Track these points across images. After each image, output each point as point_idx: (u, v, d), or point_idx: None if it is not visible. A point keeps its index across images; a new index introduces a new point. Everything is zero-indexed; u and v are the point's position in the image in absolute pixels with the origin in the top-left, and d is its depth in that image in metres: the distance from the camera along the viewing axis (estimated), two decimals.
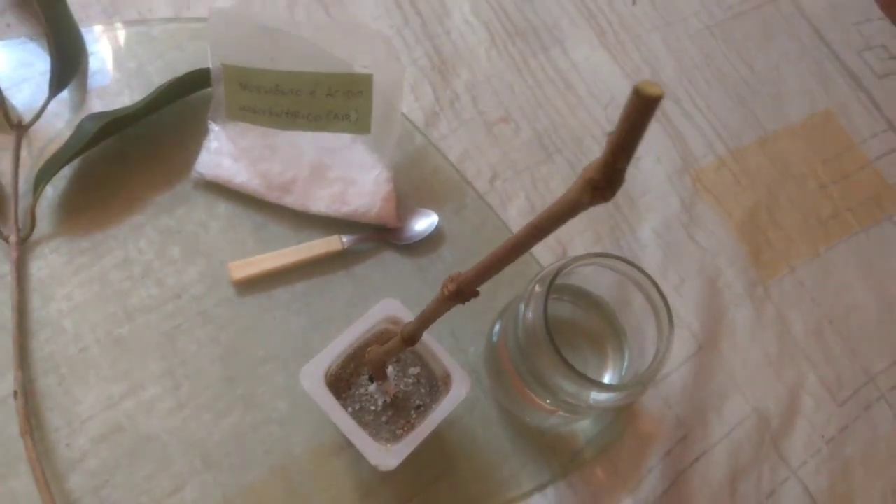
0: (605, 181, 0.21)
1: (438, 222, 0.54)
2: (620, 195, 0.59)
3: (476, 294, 0.27)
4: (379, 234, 0.53)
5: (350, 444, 0.48)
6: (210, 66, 0.50)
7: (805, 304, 0.59)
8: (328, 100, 0.49)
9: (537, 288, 0.44)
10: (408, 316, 0.44)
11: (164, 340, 0.48)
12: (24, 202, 0.49)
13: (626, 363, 0.49)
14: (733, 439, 0.54)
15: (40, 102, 0.51)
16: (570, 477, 0.50)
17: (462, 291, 0.27)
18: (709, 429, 0.54)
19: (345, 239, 0.52)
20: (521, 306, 0.44)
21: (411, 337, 0.34)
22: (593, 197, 0.21)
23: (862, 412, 0.57)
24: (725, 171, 0.63)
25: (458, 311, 0.51)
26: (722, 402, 0.55)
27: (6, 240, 0.48)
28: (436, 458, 0.49)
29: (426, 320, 0.31)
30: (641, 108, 0.19)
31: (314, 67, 0.48)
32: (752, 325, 0.58)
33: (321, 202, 0.52)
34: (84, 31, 0.55)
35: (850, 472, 0.55)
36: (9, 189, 0.48)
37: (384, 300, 0.44)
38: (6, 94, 0.51)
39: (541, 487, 0.50)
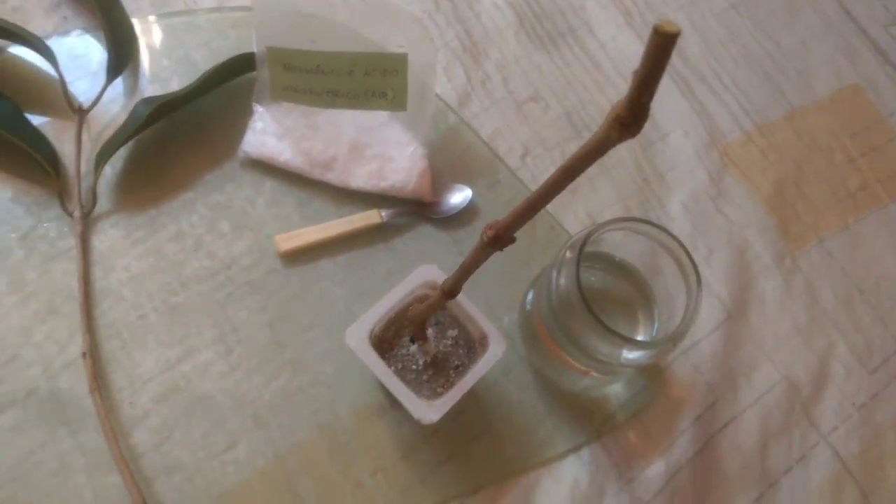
0: (631, 117, 0.23)
1: (472, 197, 0.56)
2: (649, 169, 0.61)
3: (513, 240, 0.29)
4: (415, 209, 0.56)
5: (392, 406, 0.50)
6: (255, 50, 0.53)
7: (834, 274, 0.60)
8: (366, 79, 0.51)
9: (568, 254, 0.46)
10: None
11: (216, 308, 0.51)
12: (86, 181, 0.52)
13: (656, 328, 0.51)
14: (763, 405, 0.55)
15: (97, 89, 0.55)
16: (604, 439, 0.52)
17: (500, 237, 0.29)
18: (739, 395, 0.55)
19: (383, 213, 0.55)
20: (554, 273, 0.46)
21: (452, 289, 0.36)
22: (621, 133, 0.23)
23: (892, 380, 0.58)
24: (752, 146, 0.64)
25: (492, 281, 0.53)
26: (751, 370, 0.56)
27: (71, 215, 0.51)
28: (474, 420, 0.51)
29: (466, 271, 0.34)
30: (661, 45, 0.21)
31: (352, 48, 0.50)
32: (780, 295, 0.59)
33: (360, 178, 0.55)
34: (135, 21, 0.58)
35: (881, 437, 0.56)
36: (72, 169, 0.52)
37: (423, 266, 0.47)
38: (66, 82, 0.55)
39: (575, 449, 0.52)
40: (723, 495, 0.52)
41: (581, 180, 0.50)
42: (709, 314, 0.57)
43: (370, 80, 0.51)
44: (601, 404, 0.53)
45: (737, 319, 0.57)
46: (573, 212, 0.58)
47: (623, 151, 0.61)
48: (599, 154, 0.24)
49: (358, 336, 0.44)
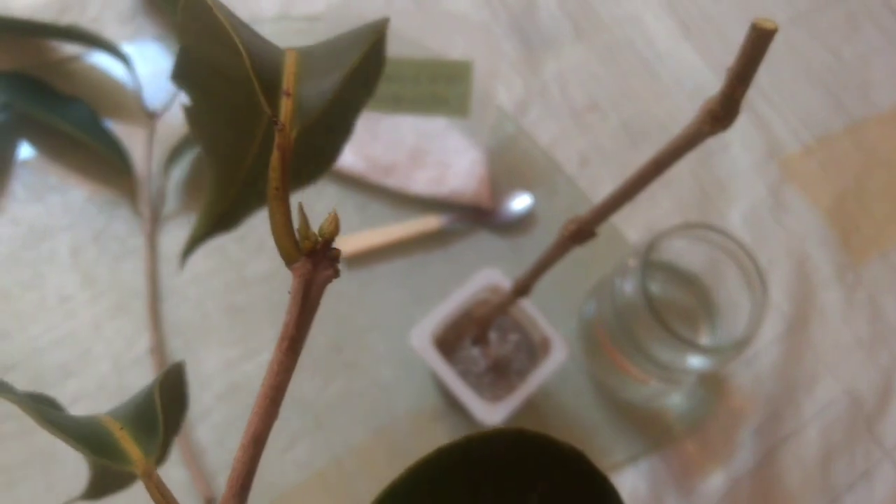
0: (723, 111, 0.23)
1: (531, 205, 0.57)
2: (708, 181, 0.61)
3: (594, 235, 0.30)
4: (474, 216, 0.56)
5: (450, 411, 0.51)
6: None
7: None
8: (430, 85, 0.52)
9: (632, 262, 0.46)
10: (507, 285, 0.46)
11: (276, 309, 0.52)
12: (155, 183, 0.54)
13: (717, 339, 0.50)
14: (825, 419, 0.54)
15: (168, 95, 0.56)
16: (662, 450, 0.52)
17: (582, 231, 0.29)
18: (800, 408, 0.54)
19: (442, 219, 0.55)
20: (617, 280, 0.46)
21: (525, 286, 0.36)
22: (713, 126, 0.23)
23: None
24: (812, 158, 0.64)
25: (548, 292, 0.53)
26: (812, 383, 0.55)
27: (141, 216, 0.53)
28: (532, 427, 0.51)
29: (542, 267, 0.34)
30: (758, 42, 0.21)
31: (417, 56, 0.51)
32: (842, 308, 0.58)
33: (420, 184, 0.56)
34: None
35: None
36: (143, 172, 0.53)
37: (485, 269, 0.47)
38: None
39: (633, 459, 0.51)
40: None
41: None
42: (769, 326, 0.56)
43: (434, 86, 0.52)
44: (660, 415, 0.53)
45: (797, 332, 0.57)
46: (633, 223, 0.58)
47: (682, 163, 0.60)
48: (690, 147, 0.24)
49: (422, 337, 0.45)
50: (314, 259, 0.17)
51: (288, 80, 0.18)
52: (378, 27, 0.21)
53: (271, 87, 0.18)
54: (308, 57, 0.19)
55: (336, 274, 0.17)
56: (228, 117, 0.24)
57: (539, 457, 0.13)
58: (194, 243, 0.29)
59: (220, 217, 0.28)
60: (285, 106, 0.17)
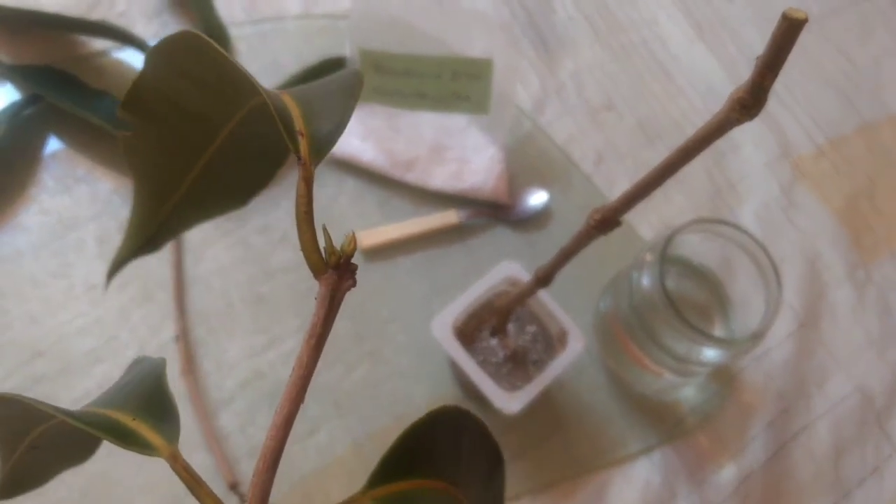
0: (752, 99, 0.24)
1: (547, 201, 0.58)
2: (721, 180, 0.62)
3: (619, 224, 0.31)
4: (492, 211, 0.57)
5: (467, 400, 0.52)
6: (346, 52, 0.55)
7: None
8: (452, 82, 0.53)
9: (649, 256, 0.47)
10: (526, 278, 0.47)
11: (299, 299, 0.53)
12: None
13: (731, 331, 0.51)
14: (836, 415, 0.55)
15: None
16: (675, 442, 0.53)
17: (607, 220, 0.30)
18: (811, 403, 0.55)
19: (460, 214, 0.56)
20: (634, 274, 0.47)
21: (547, 276, 0.37)
22: (741, 114, 0.24)
23: None
24: (824, 159, 0.64)
25: (563, 287, 0.54)
26: (823, 379, 0.56)
27: None
28: (547, 418, 0.52)
29: (565, 256, 0.35)
30: (788, 31, 0.22)
31: (439, 53, 0.53)
32: (853, 306, 0.59)
33: (439, 179, 0.57)
34: (228, 27, 0.62)
35: None
36: None
37: (504, 262, 0.48)
38: None
39: (647, 450, 0.52)
40: (795, 503, 0.52)
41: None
42: (781, 322, 0.57)
43: (456, 83, 0.53)
44: (673, 408, 0.54)
45: (809, 329, 0.57)
46: (646, 219, 0.59)
47: (696, 162, 0.61)
48: (719, 135, 0.25)
49: (443, 327, 0.46)
50: (339, 272, 0.20)
51: (298, 122, 0.21)
52: (357, 77, 0.23)
53: (287, 128, 0.20)
54: (305, 102, 0.22)
55: (354, 283, 0.21)
56: (171, 146, 0.27)
57: (461, 419, 0.22)
58: (119, 265, 0.31)
59: (147, 239, 0.30)
60: (303, 144, 0.20)
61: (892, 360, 0.57)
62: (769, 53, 0.23)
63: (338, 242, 0.57)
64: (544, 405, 0.52)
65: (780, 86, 0.67)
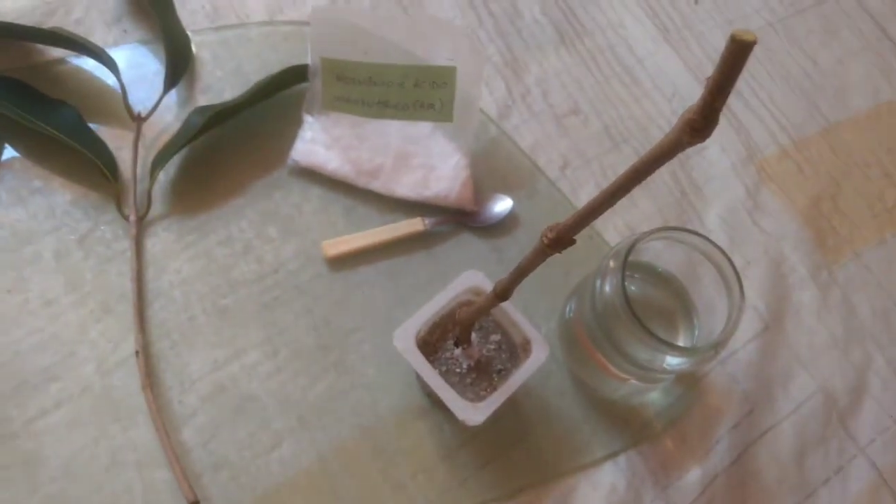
0: (703, 121, 0.24)
1: (513, 207, 0.58)
2: (687, 183, 0.62)
3: (573, 242, 0.30)
4: (457, 217, 0.57)
5: (433, 409, 0.51)
6: (308, 61, 0.55)
7: (871, 288, 0.61)
8: (415, 90, 0.53)
9: (612, 263, 0.47)
10: (489, 287, 0.47)
11: (263, 311, 0.53)
12: (141, 186, 0.54)
13: (695, 337, 0.51)
14: (800, 416, 0.56)
15: (154, 99, 0.57)
16: (641, 446, 0.53)
17: (561, 238, 0.30)
18: (775, 405, 0.56)
19: (426, 221, 0.56)
20: (597, 281, 0.47)
21: (504, 291, 0.37)
22: (692, 137, 0.24)
23: None
24: (789, 160, 0.65)
25: (531, 291, 0.54)
26: (788, 380, 0.57)
27: (127, 218, 0.53)
28: (513, 425, 0.52)
29: (521, 273, 0.35)
30: (737, 53, 0.22)
31: (402, 61, 0.52)
32: (817, 308, 0.59)
33: (405, 187, 0.56)
34: (191, 34, 0.61)
35: None
36: (129, 175, 0.54)
37: (468, 271, 0.48)
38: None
39: (612, 455, 0.52)
40: None
41: None
42: (746, 325, 0.57)
43: (419, 91, 0.52)
44: (639, 412, 0.54)
45: (773, 330, 0.58)
46: (612, 224, 0.59)
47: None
48: (669, 157, 0.25)
49: (405, 338, 0.45)
50: None
51: None
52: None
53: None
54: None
55: None
56: None
57: None
58: None
59: None
60: None
61: (856, 361, 0.58)
62: (719, 75, 0.23)
63: (304, 253, 0.58)
64: (510, 412, 0.52)
65: (746, 88, 0.67)
